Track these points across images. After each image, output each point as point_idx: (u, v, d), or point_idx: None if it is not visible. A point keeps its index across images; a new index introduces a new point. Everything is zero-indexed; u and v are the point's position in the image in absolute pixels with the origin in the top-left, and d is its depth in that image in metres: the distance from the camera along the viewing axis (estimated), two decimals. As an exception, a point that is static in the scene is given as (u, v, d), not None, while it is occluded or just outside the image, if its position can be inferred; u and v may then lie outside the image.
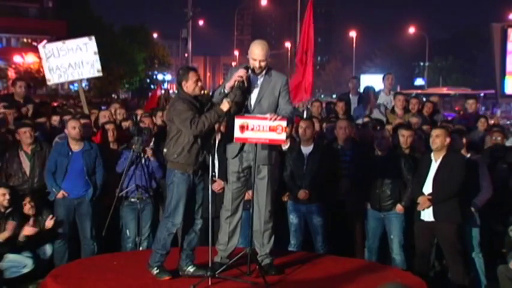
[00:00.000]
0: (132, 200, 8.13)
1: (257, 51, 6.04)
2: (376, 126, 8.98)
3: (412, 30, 64.23)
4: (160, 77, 65.58)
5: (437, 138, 7.35)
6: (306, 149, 8.00)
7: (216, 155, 6.89)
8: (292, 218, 7.99)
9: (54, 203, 7.96)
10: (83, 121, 8.24)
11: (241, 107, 6.09)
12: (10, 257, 7.63)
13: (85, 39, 10.17)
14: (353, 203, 8.08)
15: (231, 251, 6.34)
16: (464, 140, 7.97)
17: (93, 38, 10.20)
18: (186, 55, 36.13)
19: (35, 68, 45.06)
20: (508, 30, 29.59)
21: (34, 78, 41.09)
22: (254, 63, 6.05)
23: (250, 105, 6.12)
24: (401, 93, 11.51)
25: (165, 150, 6.18)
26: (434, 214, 7.31)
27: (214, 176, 7.18)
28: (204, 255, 6.28)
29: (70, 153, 7.91)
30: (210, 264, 6.14)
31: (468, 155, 7.89)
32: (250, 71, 6.04)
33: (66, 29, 42.72)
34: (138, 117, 9.60)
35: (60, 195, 7.86)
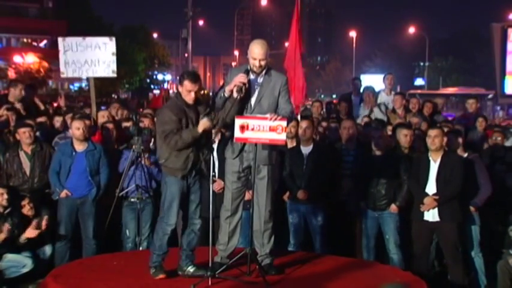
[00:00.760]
0: (132, 200, 8.14)
1: (257, 50, 6.04)
2: (378, 126, 8.99)
3: (412, 30, 64.25)
4: (160, 77, 65.61)
5: (437, 138, 7.37)
6: (306, 149, 8.01)
7: (216, 155, 6.89)
8: (292, 218, 7.99)
9: (57, 202, 7.97)
10: (87, 122, 8.25)
11: (242, 108, 6.10)
12: (9, 256, 7.64)
13: (105, 39, 10.26)
14: (354, 203, 8.09)
15: (231, 251, 6.34)
16: (460, 140, 7.99)
17: (113, 38, 10.31)
18: (186, 55, 36.13)
19: (35, 68, 45.09)
20: (508, 30, 29.61)
21: (34, 78, 41.09)
22: (254, 62, 6.05)
23: (251, 106, 6.12)
24: (400, 93, 11.52)
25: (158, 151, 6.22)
26: (440, 214, 7.32)
27: (215, 176, 7.18)
28: (204, 255, 6.28)
29: (74, 153, 7.91)
30: (210, 264, 6.14)
31: (465, 155, 7.91)
32: (250, 74, 6.04)
33: (66, 29, 42.70)
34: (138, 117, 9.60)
35: (63, 194, 7.87)
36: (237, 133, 5.93)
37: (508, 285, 7.18)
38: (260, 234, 6.28)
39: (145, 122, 8.67)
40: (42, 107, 10.57)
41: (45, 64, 46.03)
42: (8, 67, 46.38)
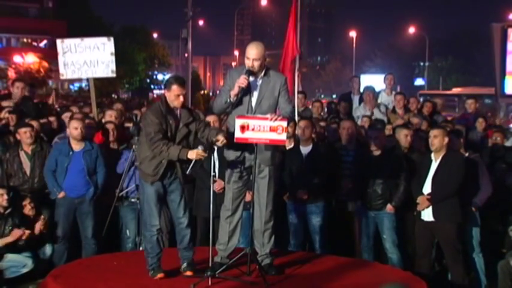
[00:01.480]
0: (132, 200, 8.15)
1: (250, 51, 6.06)
2: (378, 126, 9.00)
3: (412, 30, 64.21)
4: (160, 77, 65.54)
5: (436, 139, 7.37)
6: (305, 149, 8.01)
7: (216, 155, 6.89)
8: (292, 218, 7.99)
9: (55, 202, 7.97)
10: (86, 121, 8.26)
11: (242, 109, 6.10)
12: (10, 256, 7.65)
13: (104, 39, 10.29)
14: (354, 203, 8.08)
15: (231, 250, 6.34)
16: (461, 140, 7.99)
17: (111, 39, 10.33)
18: (186, 55, 36.05)
19: (35, 68, 45.03)
20: (508, 30, 29.51)
21: (34, 78, 41.06)
22: (247, 62, 6.07)
23: (251, 107, 6.12)
24: (401, 93, 11.52)
25: None
26: (434, 214, 7.32)
27: (215, 176, 7.19)
28: (204, 255, 6.28)
29: (71, 152, 7.92)
30: (210, 264, 6.14)
31: (466, 154, 7.91)
32: (250, 76, 6.04)
33: (66, 29, 42.71)
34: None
35: (61, 195, 7.87)
36: (237, 133, 5.93)
37: (508, 285, 7.18)
38: (260, 234, 6.29)
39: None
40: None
41: (45, 64, 46.01)
42: (8, 67, 46.33)
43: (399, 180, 7.71)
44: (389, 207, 7.73)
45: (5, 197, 7.73)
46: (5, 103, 9.75)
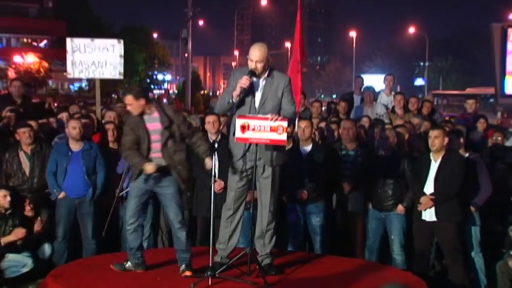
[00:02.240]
0: (132, 200, 8.12)
1: (253, 53, 6.05)
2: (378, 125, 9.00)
3: (412, 30, 64.27)
4: (160, 77, 65.63)
5: (436, 139, 7.36)
6: (305, 149, 8.01)
7: (216, 155, 6.88)
8: (292, 218, 7.99)
9: (55, 202, 7.97)
10: (83, 121, 8.25)
11: (245, 109, 6.11)
12: (10, 256, 7.65)
13: (114, 41, 10.44)
14: (354, 203, 8.08)
15: (230, 250, 6.34)
16: (461, 140, 7.99)
17: (121, 41, 10.54)
18: (186, 55, 36.08)
19: (35, 68, 45.10)
20: (508, 30, 29.51)
21: (34, 78, 41.11)
22: (250, 64, 6.07)
23: (255, 108, 6.11)
24: (401, 92, 11.51)
25: None
26: (437, 214, 7.31)
27: (215, 176, 7.18)
28: (204, 255, 6.28)
29: (70, 153, 7.92)
30: (210, 264, 6.14)
31: (466, 155, 7.91)
32: (252, 76, 6.04)
33: (66, 29, 42.73)
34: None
35: (61, 195, 7.87)
36: (238, 133, 5.93)
37: (508, 286, 7.18)
38: (262, 234, 6.28)
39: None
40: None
41: (45, 64, 46.09)
42: (8, 67, 46.41)
43: (409, 180, 7.68)
44: (400, 208, 7.71)
45: (8, 198, 7.75)
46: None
